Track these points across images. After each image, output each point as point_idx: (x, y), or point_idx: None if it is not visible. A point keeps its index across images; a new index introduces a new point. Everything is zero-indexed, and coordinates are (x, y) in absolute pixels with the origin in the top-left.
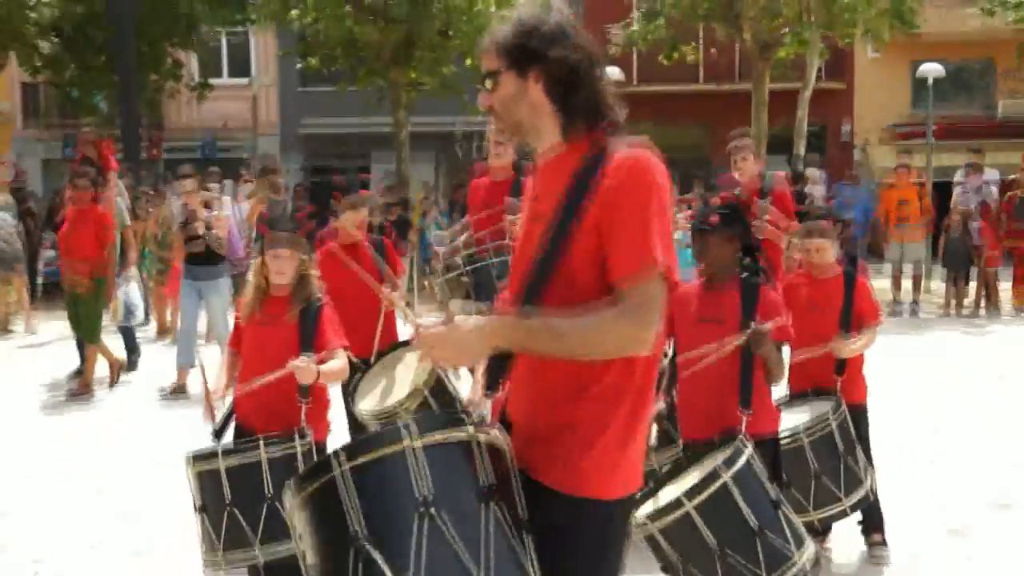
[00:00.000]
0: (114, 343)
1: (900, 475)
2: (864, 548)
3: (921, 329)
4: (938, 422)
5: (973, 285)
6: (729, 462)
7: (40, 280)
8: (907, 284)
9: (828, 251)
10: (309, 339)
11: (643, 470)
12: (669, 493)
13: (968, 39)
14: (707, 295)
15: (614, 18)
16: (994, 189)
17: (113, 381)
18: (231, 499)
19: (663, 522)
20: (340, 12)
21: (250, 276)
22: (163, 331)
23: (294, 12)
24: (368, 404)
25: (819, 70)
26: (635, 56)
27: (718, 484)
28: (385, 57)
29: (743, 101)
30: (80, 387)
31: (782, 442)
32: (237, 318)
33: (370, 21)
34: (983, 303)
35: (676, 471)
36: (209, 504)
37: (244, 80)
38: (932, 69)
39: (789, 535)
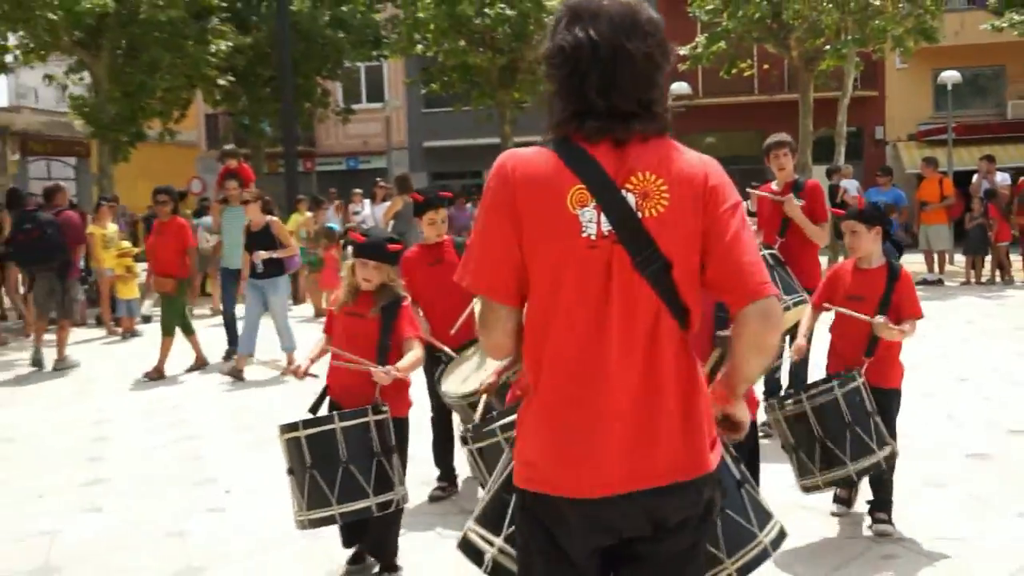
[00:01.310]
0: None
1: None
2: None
3: (946, 297)
4: (965, 363)
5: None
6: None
7: None
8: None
9: (863, 235)
10: (388, 331)
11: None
12: None
13: (981, 49)
14: None
15: (682, 40)
16: (1002, 181)
17: (197, 367)
18: (311, 463)
19: (786, 412)
20: (455, 45)
21: (343, 273)
22: (319, 314)
23: (419, 47)
24: (451, 387)
25: (855, 80)
26: (700, 73)
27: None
28: (493, 81)
29: (791, 109)
30: (154, 372)
31: (789, 408)
32: (331, 308)
33: (480, 51)
34: (997, 275)
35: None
36: (296, 468)
37: (379, 104)
38: (951, 76)
39: (752, 515)
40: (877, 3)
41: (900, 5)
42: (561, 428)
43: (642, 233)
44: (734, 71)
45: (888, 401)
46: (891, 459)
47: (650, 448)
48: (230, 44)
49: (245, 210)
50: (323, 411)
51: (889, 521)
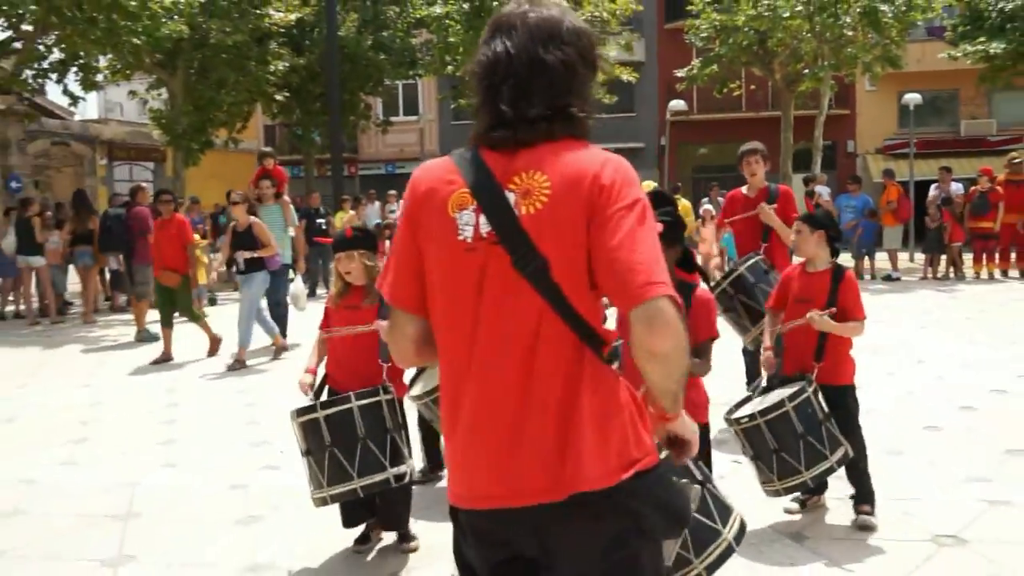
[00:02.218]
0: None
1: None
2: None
3: (904, 290)
4: (922, 347)
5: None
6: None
7: None
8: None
9: (806, 237)
10: (386, 316)
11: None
12: None
13: (939, 75)
14: None
15: (679, 64)
16: (957, 190)
17: (212, 352)
18: (331, 441)
19: (742, 426)
20: None
21: (333, 269)
22: None
23: (449, 67)
24: (416, 388)
25: (830, 100)
26: (695, 91)
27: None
28: None
29: (774, 124)
30: (161, 357)
31: (744, 423)
32: (327, 304)
33: None
34: (951, 271)
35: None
36: (313, 448)
37: (414, 118)
38: (913, 98)
39: (715, 513)
40: (849, 33)
41: (869, 36)
42: (450, 435)
43: (519, 231)
44: (725, 91)
45: (842, 397)
46: (843, 460)
47: (524, 461)
48: (286, 65)
49: (232, 211)
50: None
51: (872, 513)
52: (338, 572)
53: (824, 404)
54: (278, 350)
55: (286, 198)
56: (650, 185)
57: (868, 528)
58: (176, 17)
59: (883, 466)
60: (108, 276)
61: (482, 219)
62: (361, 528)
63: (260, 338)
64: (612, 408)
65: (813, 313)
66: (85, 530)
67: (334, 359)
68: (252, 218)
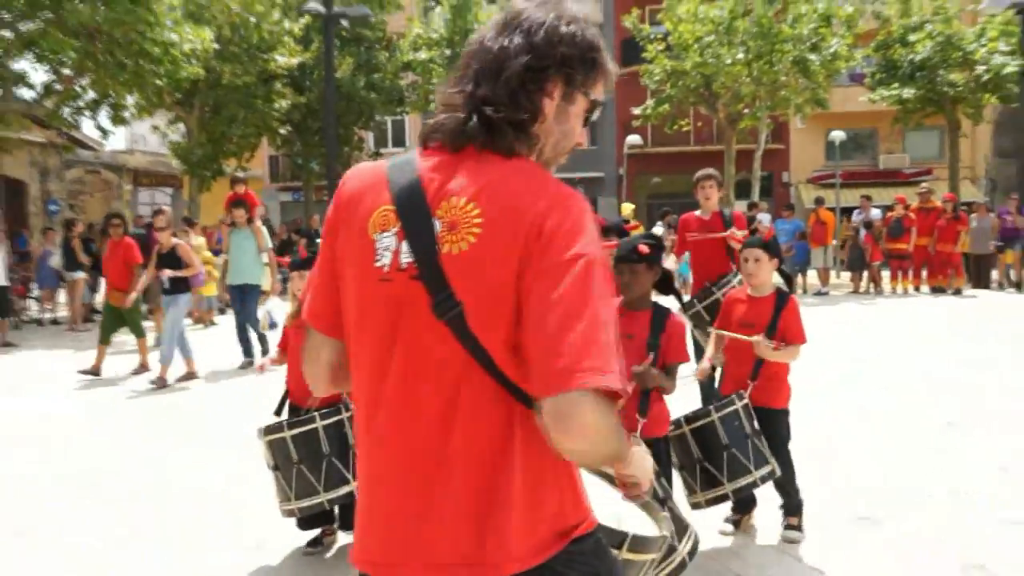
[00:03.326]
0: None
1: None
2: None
3: (833, 303)
4: (850, 350)
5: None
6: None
7: None
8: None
9: (764, 264)
10: None
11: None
12: None
13: (860, 115)
14: (626, 315)
15: (635, 103)
16: (876, 215)
17: (138, 372)
18: (297, 459)
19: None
20: None
21: (289, 289)
22: None
23: (432, 105)
24: None
25: (767, 136)
26: (649, 128)
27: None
28: None
29: (719, 157)
30: (91, 369)
31: (670, 431)
32: (287, 326)
33: None
34: (871, 287)
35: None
36: (281, 464)
37: (401, 149)
38: (838, 135)
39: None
40: (783, 79)
41: (800, 81)
42: (359, 480)
43: (439, 271)
44: (675, 127)
45: (775, 421)
46: (768, 477)
47: (435, 529)
48: (289, 103)
49: (158, 235)
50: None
51: (798, 528)
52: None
53: (755, 422)
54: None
55: (258, 223)
56: (629, 207)
57: (793, 542)
58: (194, 61)
59: (820, 453)
60: None
61: (404, 246)
62: (315, 532)
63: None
64: (546, 468)
65: (758, 339)
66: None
67: (294, 376)
68: (176, 240)
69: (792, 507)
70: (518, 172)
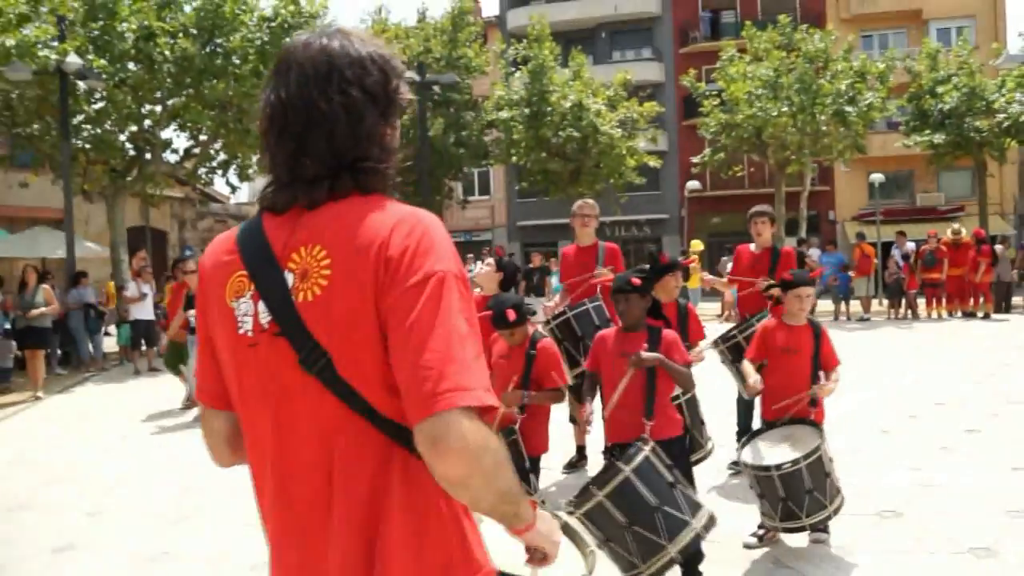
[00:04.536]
0: None
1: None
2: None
3: (873, 328)
4: (886, 368)
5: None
6: (627, 459)
7: None
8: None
9: (809, 298)
10: None
11: None
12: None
13: (898, 159)
14: (624, 337)
15: (695, 152)
16: (911, 248)
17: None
18: None
19: (582, 509)
20: (539, 156)
21: None
22: None
23: (514, 158)
24: None
25: (813, 178)
26: (707, 174)
27: (621, 476)
28: (564, 180)
29: (770, 199)
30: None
31: (785, 468)
32: None
33: (555, 159)
34: (908, 314)
35: (606, 471)
36: None
37: (487, 197)
38: (877, 177)
39: (685, 506)
40: (824, 128)
41: (840, 130)
42: (269, 544)
43: (298, 323)
44: (730, 173)
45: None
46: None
47: None
48: None
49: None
50: None
51: (825, 530)
52: None
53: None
54: None
55: None
56: (698, 244)
57: (820, 543)
58: None
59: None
60: None
61: (261, 306)
62: None
63: None
64: (431, 522)
65: (824, 384)
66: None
67: None
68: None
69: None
70: (364, 208)
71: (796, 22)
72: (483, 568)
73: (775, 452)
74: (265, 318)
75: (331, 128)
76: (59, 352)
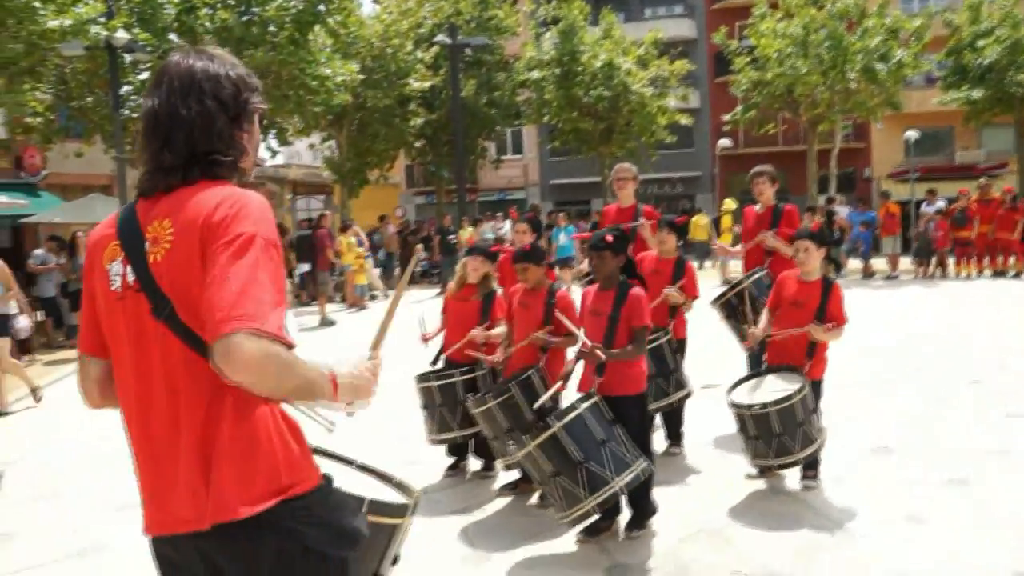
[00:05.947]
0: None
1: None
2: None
3: (900, 286)
4: (914, 323)
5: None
6: (560, 415)
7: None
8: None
9: (813, 253)
10: (486, 313)
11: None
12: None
13: (935, 115)
14: (598, 294)
15: (726, 110)
16: (941, 206)
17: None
18: (440, 402)
19: (522, 453)
20: (570, 115)
21: (457, 269)
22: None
23: (546, 117)
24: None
25: (848, 134)
26: (740, 131)
27: (549, 432)
28: (596, 139)
29: (802, 156)
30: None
31: (756, 410)
32: (447, 295)
33: (587, 119)
34: (937, 272)
35: (541, 424)
36: (428, 406)
37: (519, 156)
38: (911, 134)
39: (611, 465)
40: (853, 86)
41: (871, 87)
42: (134, 464)
43: (150, 279)
44: (762, 130)
45: (814, 392)
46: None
47: (179, 494)
48: (422, 120)
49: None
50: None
51: (814, 477)
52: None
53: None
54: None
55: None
56: (731, 203)
57: (813, 489)
58: (343, 90)
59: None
60: (297, 279)
61: (128, 269)
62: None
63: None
64: (257, 437)
65: (813, 326)
66: None
67: (450, 335)
68: None
69: (812, 463)
70: (207, 190)
71: None
72: (307, 474)
73: (761, 392)
74: (131, 277)
75: (189, 129)
76: None
